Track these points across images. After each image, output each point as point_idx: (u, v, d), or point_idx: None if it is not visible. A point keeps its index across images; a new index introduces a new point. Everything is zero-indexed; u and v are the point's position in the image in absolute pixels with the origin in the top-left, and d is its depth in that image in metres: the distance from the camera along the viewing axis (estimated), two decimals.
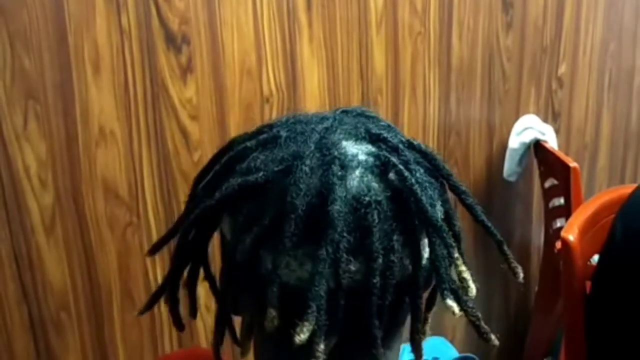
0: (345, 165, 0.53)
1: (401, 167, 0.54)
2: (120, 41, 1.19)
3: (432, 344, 1.80)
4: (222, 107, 1.33)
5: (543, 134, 1.80)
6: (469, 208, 0.58)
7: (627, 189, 1.19)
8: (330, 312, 0.50)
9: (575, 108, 2.07)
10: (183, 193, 1.29)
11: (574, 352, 1.29)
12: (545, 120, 1.92)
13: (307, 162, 0.52)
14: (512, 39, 1.82)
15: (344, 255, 0.50)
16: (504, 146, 1.86)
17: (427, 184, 0.55)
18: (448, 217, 0.57)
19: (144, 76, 1.22)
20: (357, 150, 0.55)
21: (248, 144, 0.58)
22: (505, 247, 0.58)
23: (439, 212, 0.56)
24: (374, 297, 0.51)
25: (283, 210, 0.51)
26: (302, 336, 0.49)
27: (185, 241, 0.59)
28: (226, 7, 1.29)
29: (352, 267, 0.51)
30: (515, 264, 0.58)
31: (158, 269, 1.30)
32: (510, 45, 1.82)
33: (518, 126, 1.84)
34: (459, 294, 0.54)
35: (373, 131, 0.57)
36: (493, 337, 0.56)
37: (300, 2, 1.38)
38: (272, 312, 0.50)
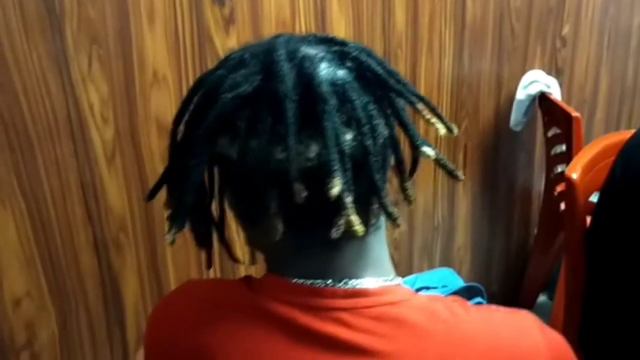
0: (313, 61, 0.59)
1: (355, 54, 0.61)
2: None
3: (441, 274, 1.85)
4: None
5: (548, 86, 1.83)
6: (383, 82, 0.64)
7: (626, 134, 1.21)
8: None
9: (577, 65, 2.09)
10: None
11: (573, 282, 1.33)
12: (549, 76, 1.94)
13: (284, 64, 0.58)
14: (521, 1, 1.84)
15: (340, 127, 0.57)
16: (511, 98, 1.89)
17: (376, 63, 0.63)
18: None
19: (192, 27, 1.25)
20: (315, 50, 0.61)
21: (219, 72, 0.62)
22: (418, 106, 0.65)
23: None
24: (371, 156, 0.59)
25: (280, 106, 0.56)
26: (335, 189, 0.55)
27: (198, 162, 0.60)
28: None
29: (348, 137, 0.58)
30: (428, 117, 0.65)
31: None
32: (520, 6, 1.84)
33: (525, 79, 1.86)
34: (428, 143, 0.63)
35: (320, 36, 0.65)
36: (459, 173, 0.65)
37: None
38: (299, 186, 0.56)
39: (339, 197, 0.56)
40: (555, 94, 1.85)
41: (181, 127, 0.65)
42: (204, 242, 0.71)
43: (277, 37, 0.64)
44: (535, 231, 2.13)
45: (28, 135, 1.12)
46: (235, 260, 0.77)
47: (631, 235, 1.11)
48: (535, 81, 1.83)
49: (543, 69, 1.94)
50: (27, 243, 1.16)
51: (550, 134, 1.87)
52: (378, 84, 0.62)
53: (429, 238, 1.89)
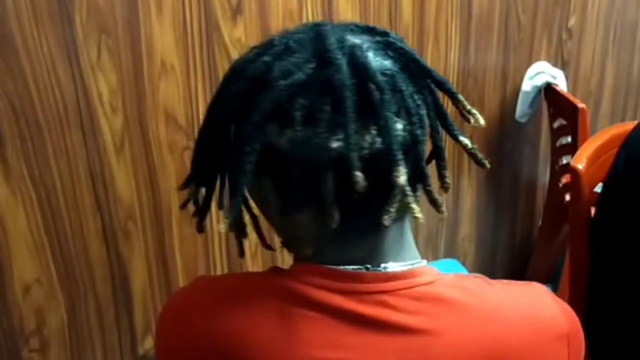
0: (362, 51, 0.59)
1: (399, 44, 0.62)
2: None
3: (446, 265, 1.86)
4: None
5: (554, 77, 1.83)
6: (427, 72, 0.65)
7: (630, 125, 1.21)
8: None
9: (583, 58, 2.08)
10: None
11: (578, 273, 1.33)
12: (554, 67, 1.94)
13: (338, 52, 0.58)
14: None
15: (393, 117, 0.58)
16: (516, 91, 1.89)
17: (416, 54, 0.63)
18: None
19: (200, 17, 1.26)
20: (360, 40, 0.61)
21: (263, 59, 0.60)
22: (459, 96, 0.65)
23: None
24: (420, 144, 0.60)
25: (338, 95, 0.56)
26: (402, 178, 0.57)
27: (250, 151, 0.58)
28: None
29: (399, 126, 0.59)
30: (469, 107, 0.66)
31: None
32: None
33: (531, 71, 1.86)
34: (462, 132, 0.64)
35: (361, 26, 0.64)
36: (486, 162, 0.66)
37: None
38: (359, 175, 0.56)
39: (399, 185, 0.57)
40: (561, 85, 1.85)
41: (216, 115, 0.64)
42: (243, 231, 0.70)
43: (318, 25, 0.63)
44: (540, 223, 2.14)
45: (38, 124, 1.13)
46: (269, 248, 0.76)
47: (634, 227, 1.11)
48: (542, 72, 1.83)
49: (549, 61, 1.94)
50: (37, 230, 1.17)
51: (555, 125, 1.87)
52: (421, 75, 0.62)
53: (434, 229, 1.90)
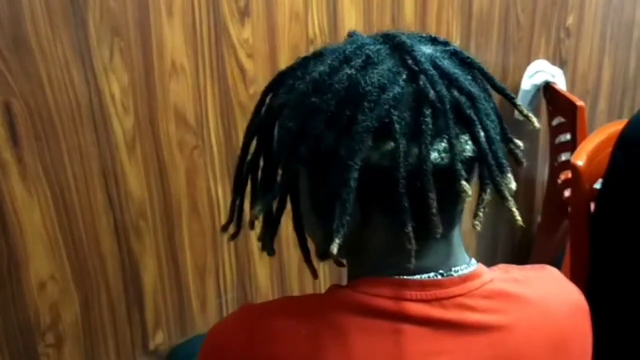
0: (441, 61, 0.61)
1: (464, 53, 0.64)
2: None
3: None
4: (273, 47, 1.39)
5: (553, 76, 1.86)
6: (490, 80, 0.67)
7: None
8: None
9: (580, 57, 2.11)
10: (241, 122, 1.37)
11: (579, 267, 1.36)
12: (553, 66, 1.97)
13: (427, 63, 0.59)
14: None
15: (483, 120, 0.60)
16: (515, 89, 1.92)
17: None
18: None
19: (209, 18, 1.28)
20: (430, 49, 0.62)
21: (347, 71, 0.59)
22: (518, 101, 0.69)
23: None
24: (499, 151, 0.61)
25: (436, 106, 0.57)
26: (513, 184, 0.61)
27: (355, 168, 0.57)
28: None
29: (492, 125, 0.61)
30: (526, 112, 0.69)
31: (219, 187, 1.39)
32: None
33: (530, 69, 1.89)
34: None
35: (424, 35, 0.66)
36: (524, 160, 0.68)
37: None
38: (465, 185, 0.58)
39: (510, 192, 0.60)
40: (560, 84, 1.88)
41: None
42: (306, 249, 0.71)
43: (390, 34, 0.63)
44: (539, 218, 2.16)
45: (53, 124, 1.15)
46: (341, 264, 0.75)
47: (636, 220, 1.13)
48: (541, 71, 1.86)
49: (547, 60, 1.97)
50: (52, 228, 1.20)
51: (554, 122, 1.90)
52: (484, 83, 0.64)
53: None
